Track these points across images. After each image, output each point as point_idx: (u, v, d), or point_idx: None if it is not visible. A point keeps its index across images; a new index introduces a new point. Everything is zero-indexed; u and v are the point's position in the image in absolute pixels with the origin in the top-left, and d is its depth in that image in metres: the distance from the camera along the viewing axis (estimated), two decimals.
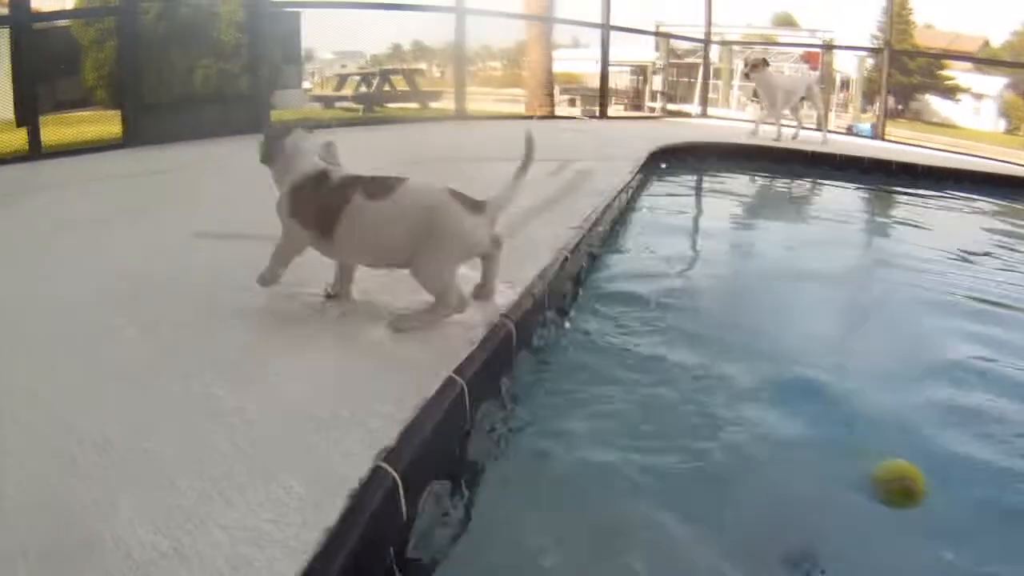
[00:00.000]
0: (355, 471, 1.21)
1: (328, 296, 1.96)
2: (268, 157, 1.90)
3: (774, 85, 6.59)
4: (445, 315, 1.80)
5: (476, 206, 1.77)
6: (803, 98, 6.89)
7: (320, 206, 1.80)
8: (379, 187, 1.76)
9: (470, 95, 8.23)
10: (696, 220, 4.54)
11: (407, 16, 8.31)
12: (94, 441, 1.31)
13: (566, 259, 2.47)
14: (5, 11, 6.72)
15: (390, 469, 1.22)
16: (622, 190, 3.87)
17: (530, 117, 7.50)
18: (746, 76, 7.23)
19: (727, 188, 5.54)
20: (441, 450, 1.42)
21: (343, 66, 10.77)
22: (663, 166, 5.50)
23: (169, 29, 6.47)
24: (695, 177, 5.75)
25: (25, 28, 5.82)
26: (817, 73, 9.29)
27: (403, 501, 1.22)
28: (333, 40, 7.74)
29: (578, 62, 14.38)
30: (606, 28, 8.64)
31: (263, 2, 6.37)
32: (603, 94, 8.67)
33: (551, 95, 9.88)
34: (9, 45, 7.10)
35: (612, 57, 8.96)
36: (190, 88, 6.32)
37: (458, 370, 1.57)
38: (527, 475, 1.57)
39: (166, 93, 6.11)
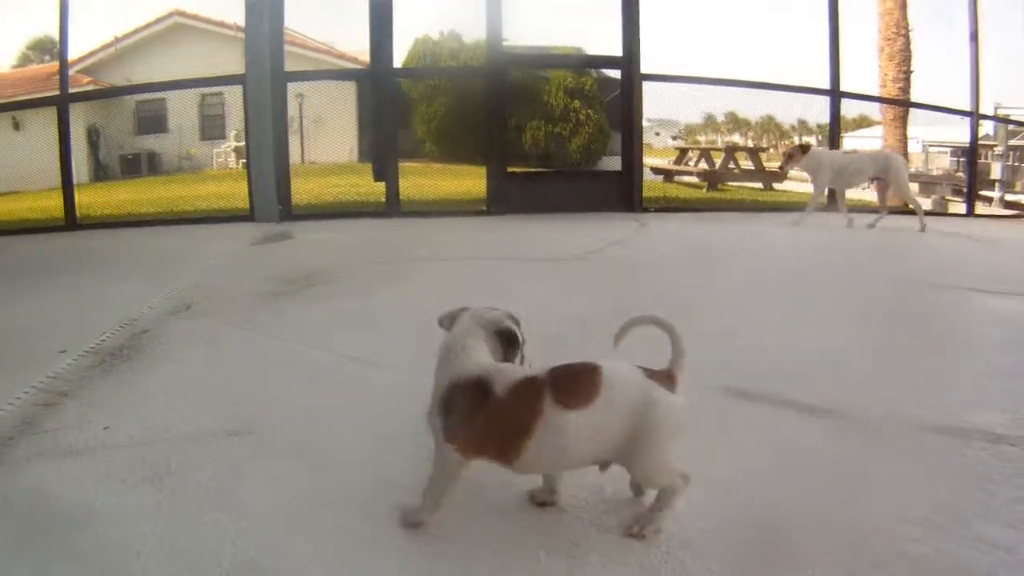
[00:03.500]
0: None
1: (541, 503, 1.55)
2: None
3: (823, 164, 5.47)
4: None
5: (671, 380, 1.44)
6: (876, 178, 5.68)
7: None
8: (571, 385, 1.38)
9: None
10: None
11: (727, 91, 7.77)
12: None
13: None
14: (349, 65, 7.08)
15: None
16: None
17: (908, 211, 6.03)
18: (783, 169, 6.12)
19: None
20: None
21: (678, 138, 10.55)
22: None
23: (534, 95, 6.47)
24: None
25: (381, 82, 5.96)
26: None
27: None
28: (648, 107, 7.41)
29: (865, 141, 13.19)
30: (975, 115, 7.43)
31: (636, 73, 6.08)
32: (971, 187, 7.36)
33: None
34: (359, 97, 7.41)
35: (927, 137, 7.71)
36: (554, 157, 6.23)
37: None
38: None
39: (530, 160, 6.05)
